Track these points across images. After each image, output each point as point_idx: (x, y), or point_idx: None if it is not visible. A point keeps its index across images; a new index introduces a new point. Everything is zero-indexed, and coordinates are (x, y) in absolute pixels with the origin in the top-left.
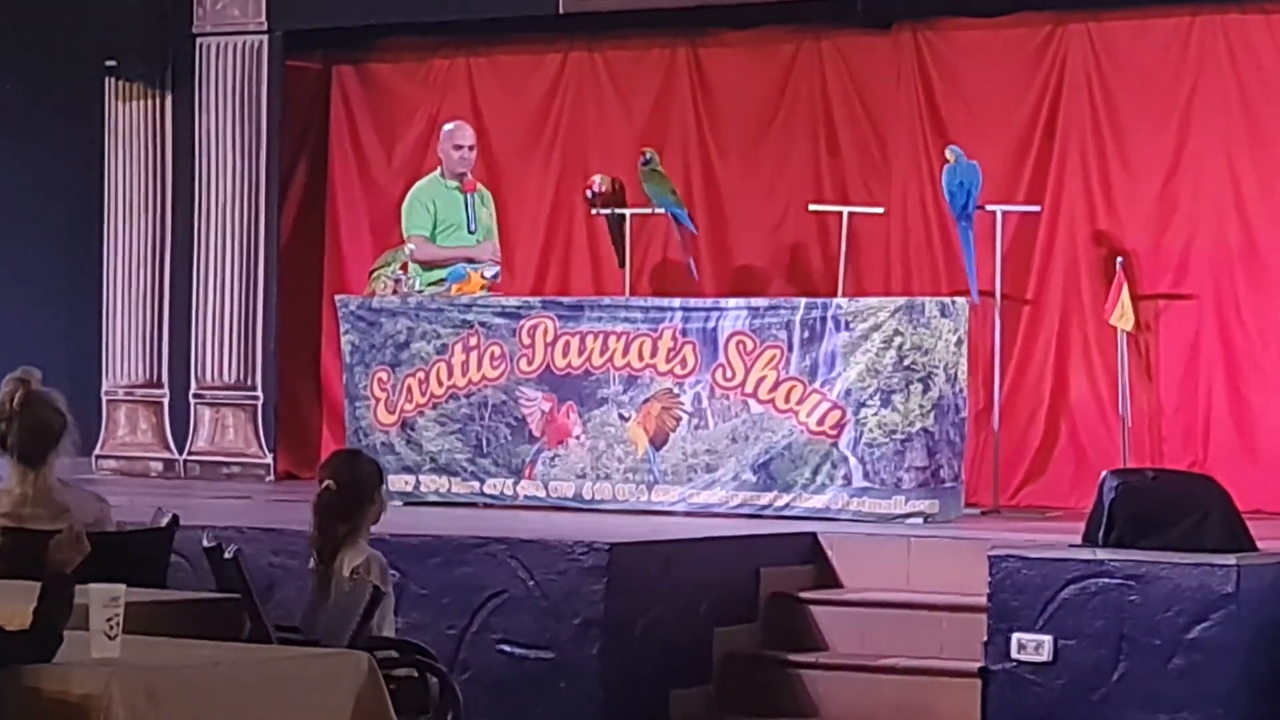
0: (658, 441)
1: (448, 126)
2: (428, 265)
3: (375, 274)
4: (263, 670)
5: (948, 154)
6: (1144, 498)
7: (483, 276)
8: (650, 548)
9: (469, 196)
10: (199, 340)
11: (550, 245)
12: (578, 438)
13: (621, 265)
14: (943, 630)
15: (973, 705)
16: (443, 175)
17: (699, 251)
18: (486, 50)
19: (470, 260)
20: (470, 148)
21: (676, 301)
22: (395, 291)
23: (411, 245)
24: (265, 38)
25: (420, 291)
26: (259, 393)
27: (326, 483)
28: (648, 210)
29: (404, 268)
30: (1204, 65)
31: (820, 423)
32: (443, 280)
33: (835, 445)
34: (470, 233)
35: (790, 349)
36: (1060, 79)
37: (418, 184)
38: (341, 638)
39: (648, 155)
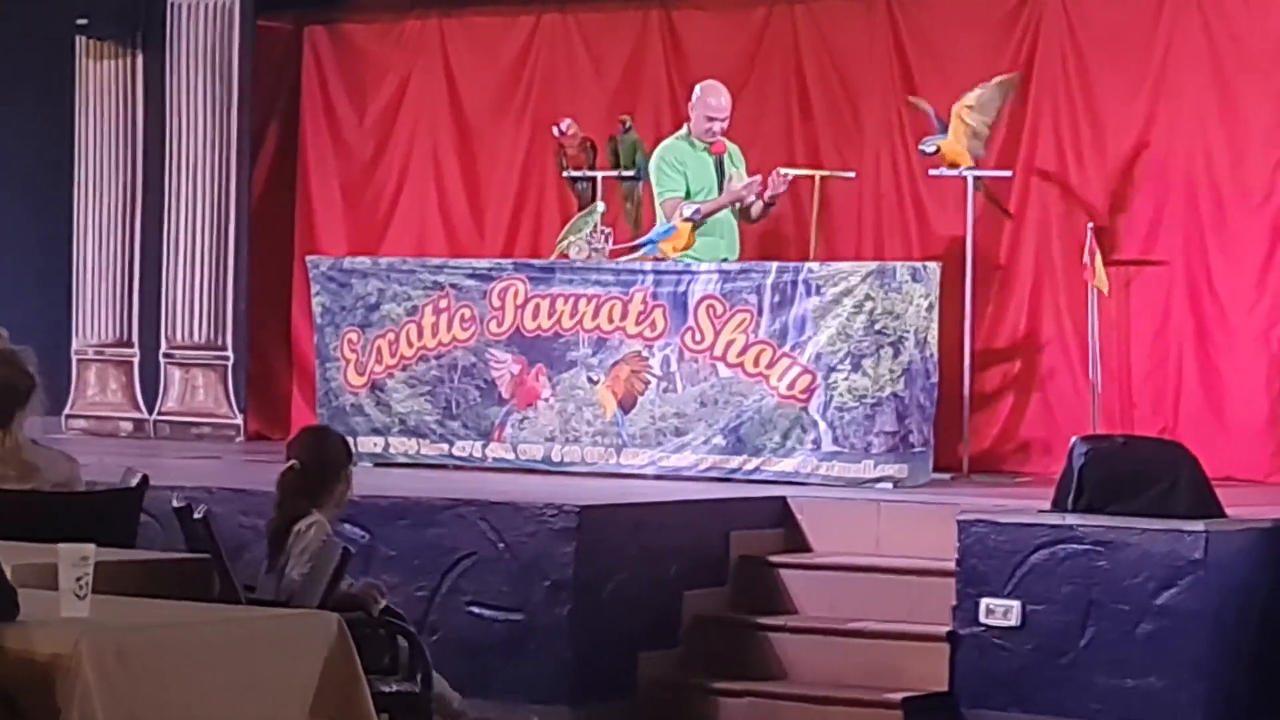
0: (626, 405)
1: (698, 90)
2: (703, 221)
3: (566, 241)
4: (232, 630)
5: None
6: (1113, 463)
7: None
8: (620, 510)
9: (719, 159)
10: (169, 300)
11: (521, 207)
12: (547, 400)
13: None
14: (911, 594)
15: (941, 669)
16: (689, 135)
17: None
18: (459, 12)
19: (740, 201)
20: (724, 113)
21: (648, 265)
22: (589, 256)
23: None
24: None
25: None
26: (229, 353)
27: (292, 462)
28: (615, 174)
29: (594, 230)
30: (1177, 31)
31: (790, 387)
32: (650, 243)
33: (805, 409)
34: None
35: (760, 313)
36: (1033, 44)
37: (664, 143)
38: (311, 599)
39: (627, 123)
